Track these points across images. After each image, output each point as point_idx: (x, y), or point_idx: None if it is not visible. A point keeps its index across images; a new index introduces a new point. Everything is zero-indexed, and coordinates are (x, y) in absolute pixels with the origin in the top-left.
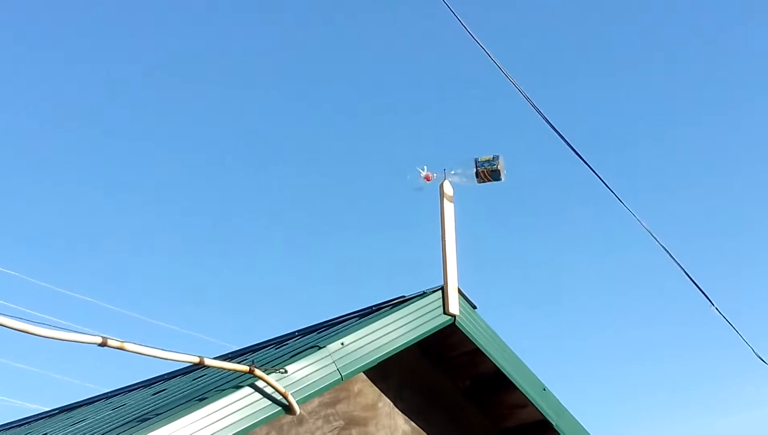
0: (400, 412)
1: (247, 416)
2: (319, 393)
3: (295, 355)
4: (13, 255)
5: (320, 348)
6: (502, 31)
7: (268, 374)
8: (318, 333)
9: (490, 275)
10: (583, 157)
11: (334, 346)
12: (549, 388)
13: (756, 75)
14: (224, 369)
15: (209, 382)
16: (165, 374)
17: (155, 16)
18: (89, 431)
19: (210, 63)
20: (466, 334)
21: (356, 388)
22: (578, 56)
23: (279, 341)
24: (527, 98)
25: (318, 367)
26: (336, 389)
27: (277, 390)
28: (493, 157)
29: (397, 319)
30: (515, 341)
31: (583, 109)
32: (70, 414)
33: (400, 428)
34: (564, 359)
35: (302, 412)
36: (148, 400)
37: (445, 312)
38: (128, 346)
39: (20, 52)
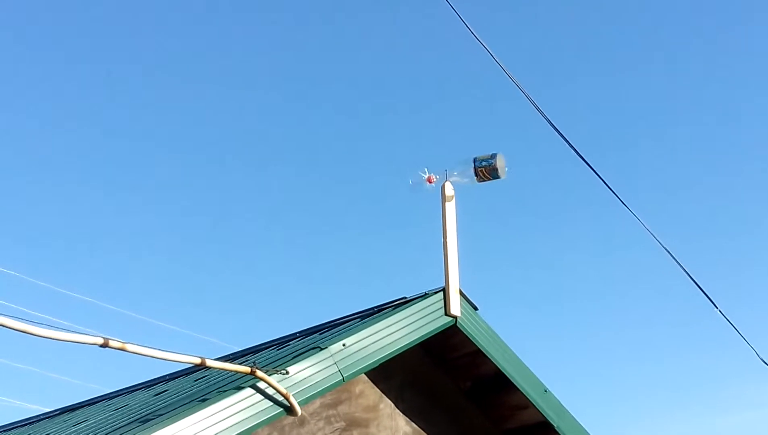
0: (401, 413)
1: (248, 417)
2: (320, 394)
3: (297, 356)
4: (13, 255)
5: (322, 349)
6: (502, 31)
7: (269, 375)
8: (320, 334)
9: (491, 276)
10: (584, 158)
11: (336, 347)
12: (550, 390)
13: (756, 75)
14: (226, 370)
15: (211, 383)
16: (166, 375)
17: (155, 16)
18: (91, 432)
19: (210, 63)
20: (468, 336)
21: (358, 389)
22: (579, 56)
23: (280, 342)
24: (529, 98)
25: (319, 368)
26: (337, 390)
27: (278, 391)
28: (491, 155)
29: (399, 321)
30: (516, 342)
31: (583, 109)
32: (71, 415)
33: (401, 429)
34: (565, 359)
35: (304, 413)
36: (150, 401)
37: (447, 313)
38: (129, 346)
39: (20, 52)
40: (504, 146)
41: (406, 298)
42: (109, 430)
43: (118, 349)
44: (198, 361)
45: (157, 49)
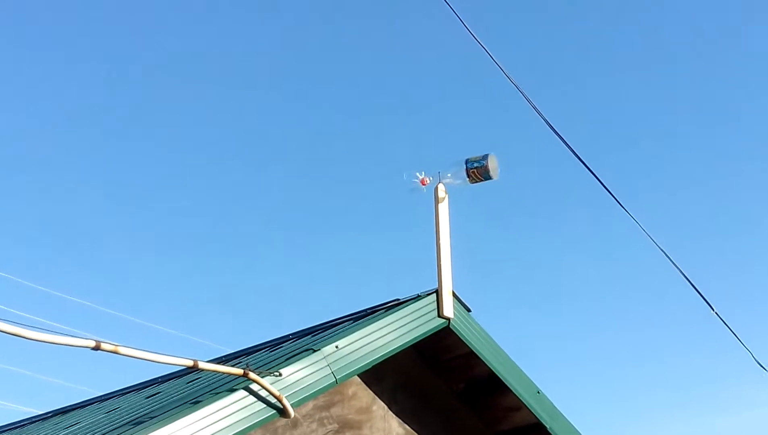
0: (394, 415)
1: (241, 419)
2: (313, 396)
3: (290, 358)
4: (8, 257)
5: (315, 351)
6: (502, 31)
7: (262, 377)
8: (312, 336)
9: (490, 276)
10: (583, 160)
11: (329, 349)
12: (543, 391)
13: (756, 75)
14: (218, 372)
15: (203, 385)
16: (159, 377)
17: (155, 16)
18: None
19: (210, 63)
20: (461, 337)
21: (350, 391)
22: (579, 57)
23: (273, 344)
24: (527, 98)
25: (312, 370)
26: (330, 392)
27: (271, 393)
28: (483, 157)
29: (392, 322)
30: (515, 343)
31: (583, 110)
32: (63, 417)
33: (394, 431)
34: (565, 360)
35: (296, 415)
36: (142, 404)
37: (440, 315)
38: (122, 349)
39: (20, 52)
40: (504, 146)
41: (399, 299)
42: (101, 432)
43: (111, 351)
44: (191, 363)
45: (157, 49)
